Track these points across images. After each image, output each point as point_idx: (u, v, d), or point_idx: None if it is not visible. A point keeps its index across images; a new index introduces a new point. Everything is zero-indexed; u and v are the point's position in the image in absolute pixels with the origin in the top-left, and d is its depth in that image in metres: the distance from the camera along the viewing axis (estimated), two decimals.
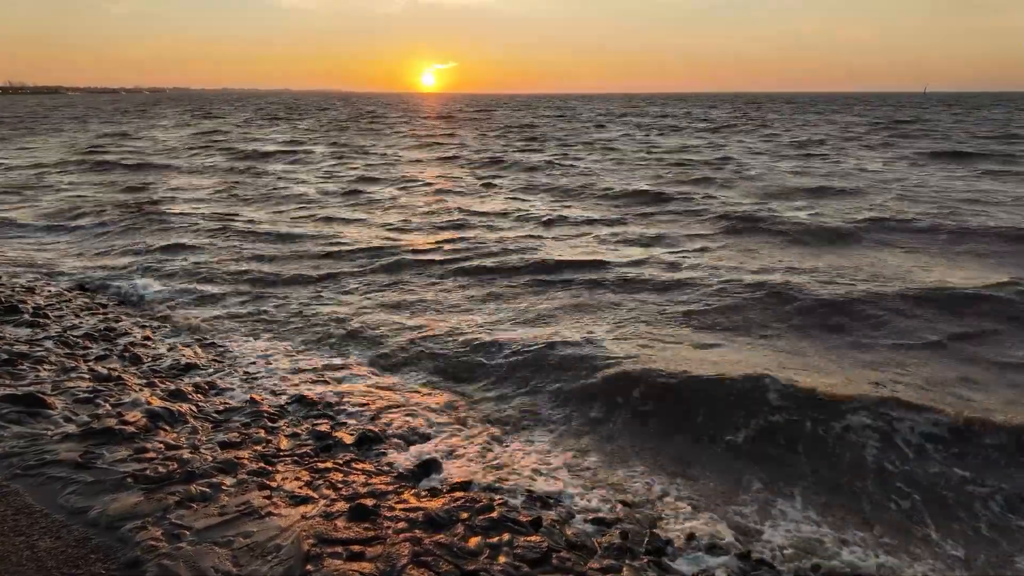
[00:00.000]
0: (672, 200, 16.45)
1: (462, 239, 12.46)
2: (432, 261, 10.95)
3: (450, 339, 7.43)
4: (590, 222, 14.22)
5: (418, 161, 27.00)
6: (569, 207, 16.10)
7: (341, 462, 4.74)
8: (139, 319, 8.17)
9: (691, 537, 4.14)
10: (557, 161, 25.02)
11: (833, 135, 37.73)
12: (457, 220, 14.49)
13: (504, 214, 15.21)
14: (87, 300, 8.74)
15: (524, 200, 17.27)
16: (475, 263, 10.74)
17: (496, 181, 20.76)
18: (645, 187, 18.27)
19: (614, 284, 9.54)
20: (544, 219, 14.44)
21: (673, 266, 10.41)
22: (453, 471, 4.77)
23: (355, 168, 24.10)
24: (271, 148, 31.17)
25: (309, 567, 3.49)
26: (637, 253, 11.34)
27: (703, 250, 11.56)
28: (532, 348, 7.06)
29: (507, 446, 5.29)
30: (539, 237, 12.70)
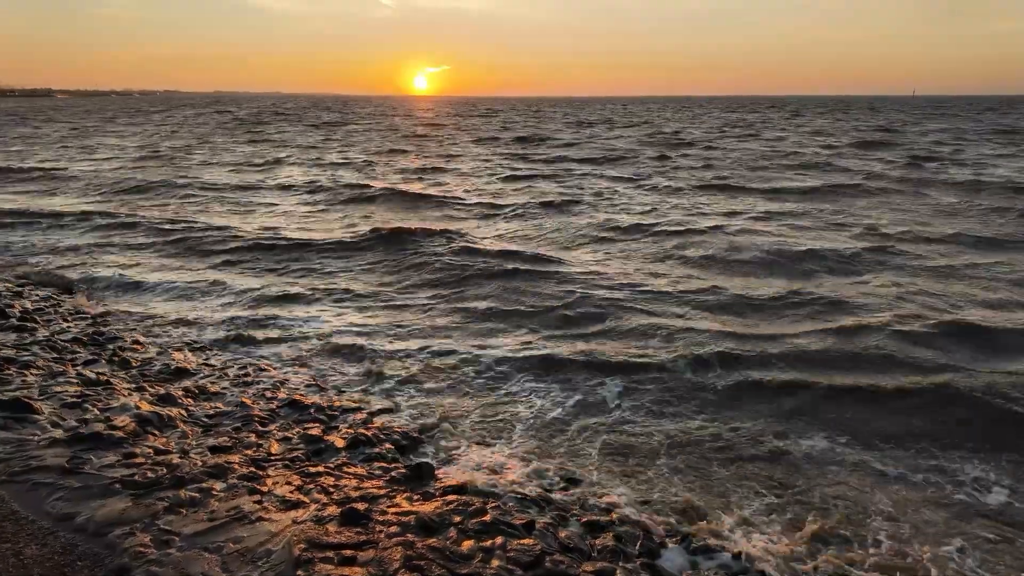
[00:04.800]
0: None
1: None
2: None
3: (430, 345, 7.41)
4: None
5: None
6: None
7: (333, 466, 4.70)
8: (128, 323, 8.09)
9: (685, 539, 4.13)
10: None
11: None
12: None
13: None
14: (76, 304, 8.65)
15: None
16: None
17: None
18: None
19: None
20: None
21: None
22: (446, 474, 4.74)
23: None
24: None
25: (300, 572, 3.45)
26: None
27: None
28: (526, 351, 7.04)
29: (501, 450, 5.26)
30: None
